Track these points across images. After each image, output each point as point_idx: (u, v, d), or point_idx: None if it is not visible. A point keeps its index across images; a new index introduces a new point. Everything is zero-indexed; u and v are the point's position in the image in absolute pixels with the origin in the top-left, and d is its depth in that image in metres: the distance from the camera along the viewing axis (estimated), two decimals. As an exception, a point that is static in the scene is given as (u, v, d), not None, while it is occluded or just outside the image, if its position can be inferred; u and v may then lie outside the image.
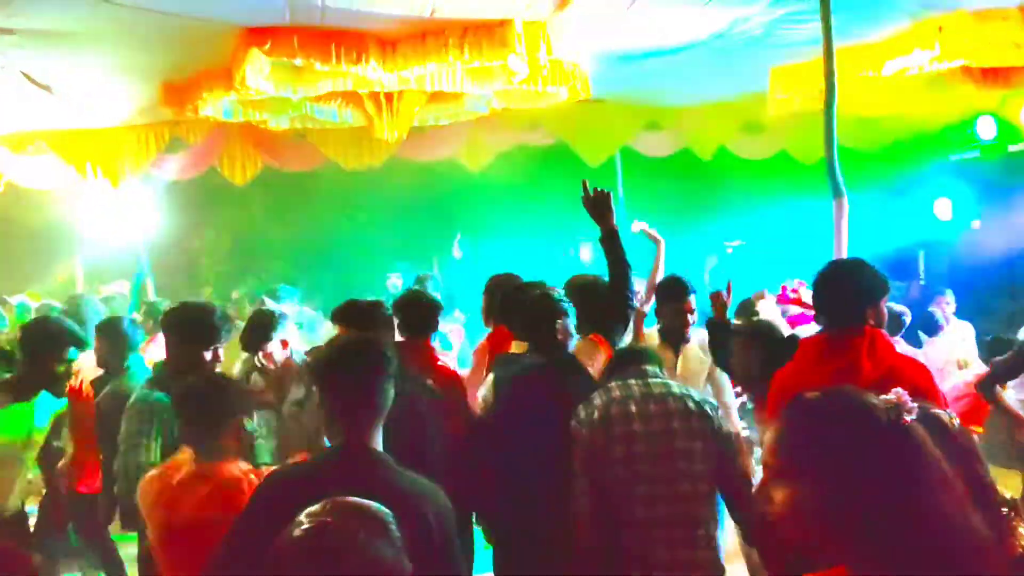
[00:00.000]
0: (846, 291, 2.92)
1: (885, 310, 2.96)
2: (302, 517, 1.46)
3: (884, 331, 2.92)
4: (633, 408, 2.81)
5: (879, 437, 1.38)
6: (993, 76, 6.50)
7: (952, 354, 5.86)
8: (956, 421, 1.79)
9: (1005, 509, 1.69)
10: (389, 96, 6.44)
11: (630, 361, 3.04)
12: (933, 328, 5.92)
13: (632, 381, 2.91)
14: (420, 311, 3.96)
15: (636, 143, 9.59)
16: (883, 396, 1.46)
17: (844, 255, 4.91)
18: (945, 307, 6.33)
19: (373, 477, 2.02)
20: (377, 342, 2.39)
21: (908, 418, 1.41)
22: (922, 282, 7.82)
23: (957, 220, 7.93)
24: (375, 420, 2.17)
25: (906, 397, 1.44)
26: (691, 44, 6.45)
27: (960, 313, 6.67)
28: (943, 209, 8.05)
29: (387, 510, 1.51)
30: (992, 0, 5.49)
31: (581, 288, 3.69)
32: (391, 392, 2.22)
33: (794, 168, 8.58)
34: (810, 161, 7.84)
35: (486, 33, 5.24)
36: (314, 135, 7.84)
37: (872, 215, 7.04)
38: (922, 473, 1.36)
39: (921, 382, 2.67)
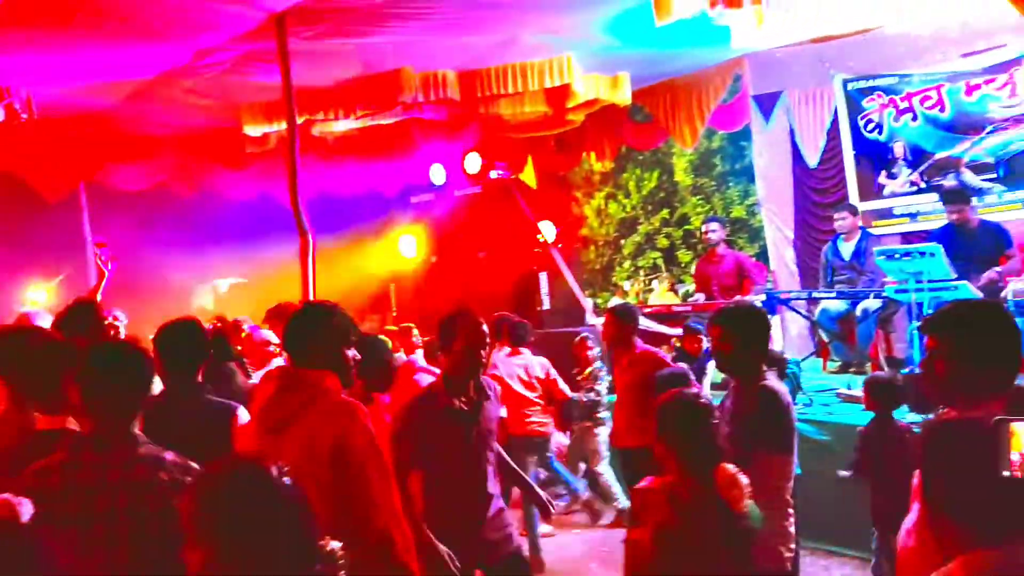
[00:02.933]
0: (296, 334, 2.90)
1: (347, 356, 2.86)
2: None
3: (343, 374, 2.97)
4: None
5: None
6: (438, 129, 7.44)
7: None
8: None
9: None
10: None
11: None
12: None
13: None
14: None
15: (106, 175, 8.75)
16: None
17: (311, 289, 5.09)
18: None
19: None
20: None
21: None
22: (394, 313, 8.55)
23: (418, 255, 8.90)
24: None
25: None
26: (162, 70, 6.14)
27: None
28: (407, 246, 8.97)
29: None
30: (431, 63, 6.28)
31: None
32: None
33: (278, 207, 8.67)
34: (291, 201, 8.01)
35: None
36: None
37: (349, 254, 7.50)
38: None
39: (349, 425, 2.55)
